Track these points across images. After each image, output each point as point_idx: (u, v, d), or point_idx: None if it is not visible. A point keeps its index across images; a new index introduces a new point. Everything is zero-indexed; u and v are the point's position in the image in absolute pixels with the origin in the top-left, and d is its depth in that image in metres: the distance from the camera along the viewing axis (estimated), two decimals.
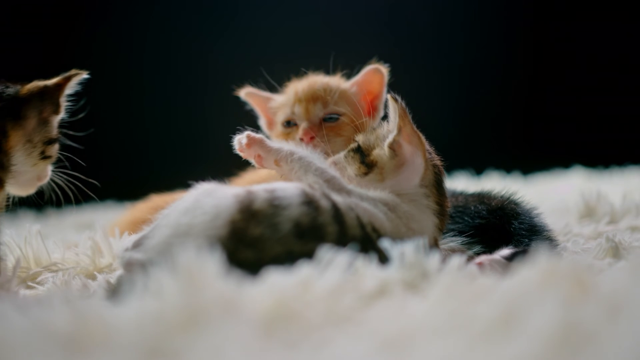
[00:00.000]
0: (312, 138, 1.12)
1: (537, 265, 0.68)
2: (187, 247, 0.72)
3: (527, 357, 0.51)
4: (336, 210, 0.83)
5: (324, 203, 0.84)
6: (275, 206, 0.81)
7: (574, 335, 0.53)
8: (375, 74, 1.21)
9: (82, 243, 1.15)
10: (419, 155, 0.94)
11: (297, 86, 1.21)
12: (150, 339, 0.56)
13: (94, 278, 1.03)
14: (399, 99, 0.94)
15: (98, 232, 1.15)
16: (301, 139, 1.12)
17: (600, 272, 0.85)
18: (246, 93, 1.26)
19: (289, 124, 1.19)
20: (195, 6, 3.26)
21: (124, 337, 0.57)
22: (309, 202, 0.83)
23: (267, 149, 0.97)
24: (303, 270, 0.70)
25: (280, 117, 1.20)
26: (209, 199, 0.83)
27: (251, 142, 0.97)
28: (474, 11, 3.54)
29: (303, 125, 1.14)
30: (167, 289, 0.64)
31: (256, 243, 0.78)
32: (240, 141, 0.99)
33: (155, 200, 1.39)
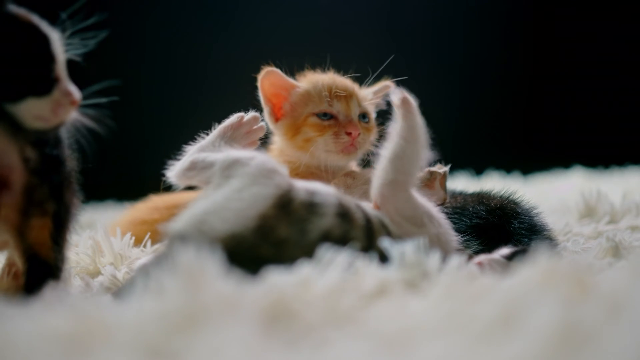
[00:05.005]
0: (358, 134, 1.16)
1: (537, 265, 0.68)
2: (216, 224, 0.76)
3: (527, 356, 0.51)
4: (369, 226, 0.84)
5: (359, 216, 0.84)
6: (311, 212, 0.81)
7: (574, 335, 0.53)
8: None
9: (82, 242, 1.15)
10: (442, 192, 1.14)
11: (327, 81, 1.22)
12: (150, 339, 0.56)
13: (94, 277, 1.03)
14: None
15: (99, 232, 1.15)
16: (348, 133, 1.15)
17: (601, 272, 0.85)
18: (270, 71, 1.21)
19: (325, 115, 1.19)
20: (193, 6, 3.26)
21: (124, 337, 0.57)
22: (344, 214, 0.83)
23: None
24: (303, 270, 0.70)
25: (312, 108, 1.20)
26: (254, 185, 0.82)
27: None
28: (474, 11, 3.54)
29: (353, 120, 1.18)
30: (167, 289, 0.64)
31: (280, 244, 0.78)
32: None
33: (154, 200, 1.40)
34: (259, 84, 1.22)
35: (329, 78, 1.24)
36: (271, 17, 3.25)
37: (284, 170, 0.87)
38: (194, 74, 3.18)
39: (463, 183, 2.36)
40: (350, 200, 0.87)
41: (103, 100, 0.91)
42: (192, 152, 0.97)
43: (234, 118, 1.04)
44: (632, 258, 0.94)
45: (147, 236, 1.20)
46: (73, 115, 0.87)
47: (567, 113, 3.44)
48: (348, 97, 1.19)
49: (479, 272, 0.82)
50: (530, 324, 0.55)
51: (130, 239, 1.16)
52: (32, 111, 0.80)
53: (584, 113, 3.37)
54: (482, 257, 0.91)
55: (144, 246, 1.18)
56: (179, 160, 0.98)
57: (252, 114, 1.04)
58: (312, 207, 0.82)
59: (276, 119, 1.23)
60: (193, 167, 0.93)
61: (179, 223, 0.81)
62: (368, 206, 0.91)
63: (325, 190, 0.86)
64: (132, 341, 0.56)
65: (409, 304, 0.68)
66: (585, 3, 3.43)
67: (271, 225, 0.79)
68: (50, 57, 0.82)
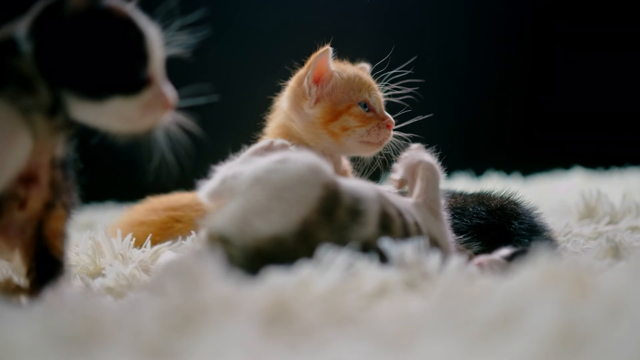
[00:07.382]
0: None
1: (537, 266, 0.68)
2: (259, 225, 0.77)
3: (526, 357, 0.51)
4: (406, 234, 0.84)
5: (398, 226, 0.84)
6: (353, 220, 0.80)
7: (574, 336, 0.53)
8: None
9: (82, 243, 1.15)
10: None
11: (359, 73, 1.24)
12: (150, 339, 0.56)
13: (94, 278, 1.03)
14: None
15: (99, 232, 1.15)
16: (389, 126, 1.21)
17: (601, 273, 0.85)
18: (328, 50, 1.20)
19: (365, 107, 1.22)
20: (192, 6, 3.25)
21: (124, 337, 0.57)
22: (386, 225, 0.82)
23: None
24: (303, 270, 0.70)
25: (355, 98, 1.21)
26: (299, 184, 0.80)
27: None
28: (474, 11, 3.54)
29: (385, 113, 1.23)
30: (168, 289, 0.64)
31: (317, 247, 0.77)
32: None
33: (151, 201, 1.39)
34: (314, 61, 1.20)
35: (359, 70, 1.26)
36: (271, 17, 3.25)
37: (329, 167, 0.85)
38: (194, 76, 3.17)
39: (463, 184, 2.35)
40: (392, 204, 0.86)
41: (202, 101, 0.90)
42: (222, 171, 0.96)
43: (265, 142, 1.02)
44: (632, 258, 0.93)
45: (149, 237, 1.20)
46: (167, 119, 0.85)
47: (567, 113, 3.44)
48: (377, 90, 1.25)
49: (479, 273, 0.82)
50: (530, 324, 0.55)
51: (131, 240, 1.16)
52: (119, 111, 0.78)
53: (584, 113, 3.37)
54: (482, 258, 0.91)
55: (144, 246, 1.18)
56: (209, 180, 0.96)
57: (280, 140, 1.03)
58: (355, 215, 0.80)
59: (317, 101, 1.21)
60: (224, 181, 0.91)
61: (220, 220, 0.80)
62: (406, 205, 0.90)
63: (369, 195, 0.84)
64: (132, 341, 0.56)
65: (409, 304, 0.68)
66: (586, 3, 3.43)
67: (312, 230, 0.78)
68: (143, 55, 0.79)
